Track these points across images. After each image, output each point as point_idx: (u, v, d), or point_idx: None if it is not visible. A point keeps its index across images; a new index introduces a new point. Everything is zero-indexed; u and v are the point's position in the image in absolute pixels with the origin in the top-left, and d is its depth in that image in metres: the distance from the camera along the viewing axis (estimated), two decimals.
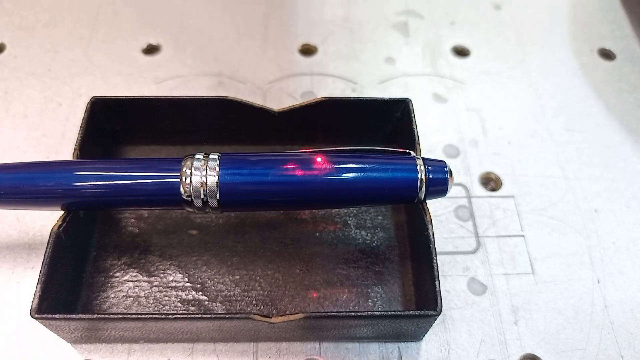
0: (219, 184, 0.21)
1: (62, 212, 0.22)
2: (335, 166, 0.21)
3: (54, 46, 0.32)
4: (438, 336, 0.23)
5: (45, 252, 0.21)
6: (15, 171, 0.21)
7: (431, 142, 0.29)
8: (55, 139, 0.28)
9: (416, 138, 0.24)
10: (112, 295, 0.23)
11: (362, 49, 0.33)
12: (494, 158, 0.29)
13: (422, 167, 0.21)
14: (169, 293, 0.24)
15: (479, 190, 0.28)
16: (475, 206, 0.27)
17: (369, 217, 0.26)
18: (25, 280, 0.24)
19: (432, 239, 0.21)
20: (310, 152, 0.22)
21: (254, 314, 0.20)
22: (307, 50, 0.33)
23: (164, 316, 0.20)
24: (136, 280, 0.24)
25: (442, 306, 0.20)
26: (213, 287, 0.24)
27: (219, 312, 0.23)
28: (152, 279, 0.24)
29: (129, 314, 0.22)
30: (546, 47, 0.34)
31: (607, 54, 0.34)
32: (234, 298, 0.24)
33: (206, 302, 0.23)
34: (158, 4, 0.35)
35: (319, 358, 0.23)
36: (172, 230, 0.25)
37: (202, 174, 0.21)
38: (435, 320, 0.21)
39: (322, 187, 0.21)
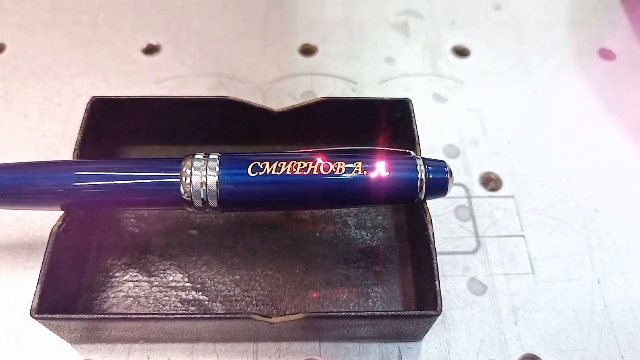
0: (219, 184, 0.21)
1: (62, 212, 0.22)
2: (336, 166, 0.21)
3: (54, 46, 0.32)
4: (438, 336, 0.23)
5: (45, 252, 0.21)
6: (15, 171, 0.21)
7: (431, 142, 0.29)
8: (55, 139, 0.28)
9: (416, 138, 0.24)
10: (112, 295, 0.23)
11: (362, 49, 0.33)
12: (494, 158, 0.29)
13: (422, 167, 0.21)
14: (169, 293, 0.24)
15: (479, 190, 0.28)
16: (475, 206, 0.27)
17: (369, 217, 0.26)
18: (25, 280, 0.24)
19: (432, 239, 0.21)
20: (310, 152, 0.22)
21: (254, 314, 0.20)
22: (307, 50, 0.33)
23: (164, 316, 0.20)
24: (136, 280, 0.24)
25: (442, 306, 0.20)
26: (213, 287, 0.24)
27: (219, 312, 0.23)
28: (152, 279, 0.24)
29: (129, 314, 0.22)
30: (546, 47, 0.34)
31: (607, 54, 0.34)
32: (234, 298, 0.24)
33: (206, 302, 0.23)
34: (158, 4, 0.35)
35: (319, 358, 0.23)
36: (172, 230, 0.25)
37: (202, 174, 0.21)
38: (435, 320, 0.21)
39: (322, 187, 0.21)
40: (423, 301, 0.23)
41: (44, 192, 0.21)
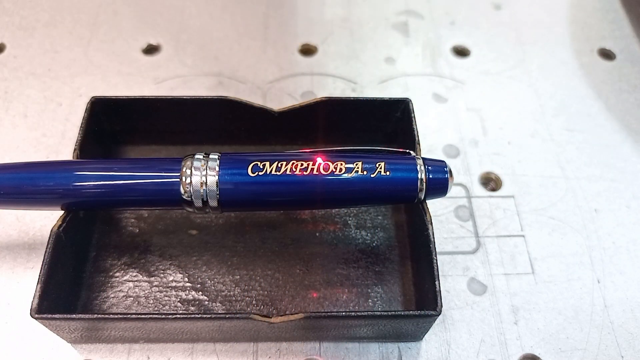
0: (219, 184, 0.21)
1: (62, 212, 0.22)
2: (336, 166, 0.21)
3: (54, 46, 0.32)
4: (438, 336, 0.23)
5: (45, 252, 0.21)
6: (15, 171, 0.21)
7: (431, 142, 0.29)
8: (55, 139, 0.28)
9: (416, 138, 0.24)
10: (112, 295, 0.23)
11: (362, 49, 0.33)
12: (494, 158, 0.29)
13: (422, 167, 0.21)
14: (169, 293, 0.24)
15: (479, 190, 0.28)
16: (475, 206, 0.27)
17: (369, 217, 0.26)
18: (25, 280, 0.24)
19: (432, 239, 0.21)
20: (310, 152, 0.22)
21: (254, 314, 0.20)
22: (307, 50, 0.33)
23: (164, 316, 0.20)
24: (136, 280, 0.24)
25: (442, 306, 0.20)
26: (213, 287, 0.24)
27: (219, 312, 0.23)
28: (152, 279, 0.24)
29: (129, 314, 0.22)
30: (546, 47, 0.34)
31: (607, 54, 0.34)
32: (234, 298, 0.24)
33: (206, 302, 0.23)
34: (158, 4, 0.35)
35: (319, 358, 0.23)
36: (172, 230, 0.25)
37: (202, 174, 0.21)
38: (435, 320, 0.21)
39: (322, 187, 0.21)
40: (423, 301, 0.23)
41: (44, 192, 0.21)
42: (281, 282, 0.24)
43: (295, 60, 0.32)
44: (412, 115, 0.25)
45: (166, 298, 0.23)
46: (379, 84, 0.32)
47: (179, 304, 0.23)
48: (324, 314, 0.21)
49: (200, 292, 0.24)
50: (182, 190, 0.21)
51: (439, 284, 0.20)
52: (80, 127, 0.24)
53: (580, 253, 0.26)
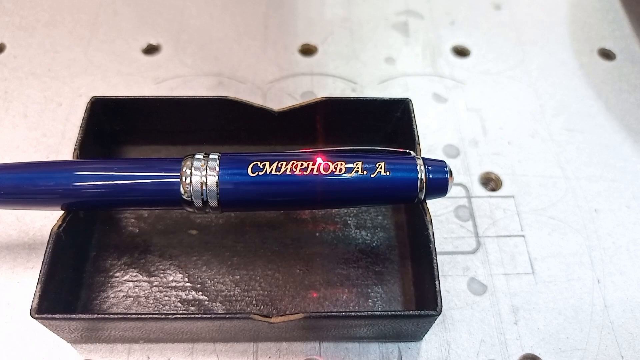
0: (219, 184, 0.21)
1: (62, 212, 0.22)
2: (336, 166, 0.21)
3: (54, 46, 0.32)
4: (438, 336, 0.23)
5: (45, 252, 0.21)
6: (15, 171, 0.21)
7: (431, 142, 0.29)
8: (55, 139, 0.28)
9: (416, 138, 0.24)
10: (112, 295, 0.23)
11: (362, 49, 0.33)
12: (494, 158, 0.29)
13: (422, 167, 0.21)
14: (169, 293, 0.24)
15: (479, 190, 0.28)
16: (475, 206, 0.27)
17: (369, 217, 0.26)
18: (25, 280, 0.24)
19: (432, 239, 0.21)
20: (310, 152, 0.22)
21: (254, 314, 0.20)
22: (307, 50, 0.33)
23: (164, 316, 0.20)
24: (136, 280, 0.24)
25: (442, 306, 0.20)
26: (213, 287, 0.24)
27: (219, 312, 0.23)
28: (152, 279, 0.24)
29: (129, 314, 0.22)
30: (546, 47, 0.34)
31: (607, 54, 0.34)
32: (234, 298, 0.24)
33: (206, 302, 0.23)
34: (158, 4, 0.35)
35: (319, 358, 0.23)
36: (172, 230, 0.25)
37: (202, 174, 0.21)
38: (435, 320, 0.21)
39: (322, 187, 0.21)
40: (423, 301, 0.23)
41: (44, 192, 0.21)
42: (281, 282, 0.24)
43: (295, 60, 0.32)
44: (412, 115, 0.25)
45: (166, 298, 0.23)
46: (379, 84, 0.32)
47: (179, 304, 0.23)
48: (324, 314, 0.21)
49: (200, 292, 0.24)
50: (182, 190, 0.21)
51: (439, 284, 0.20)
52: (80, 127, 0.24)
53: (580, 253, 0.26)
